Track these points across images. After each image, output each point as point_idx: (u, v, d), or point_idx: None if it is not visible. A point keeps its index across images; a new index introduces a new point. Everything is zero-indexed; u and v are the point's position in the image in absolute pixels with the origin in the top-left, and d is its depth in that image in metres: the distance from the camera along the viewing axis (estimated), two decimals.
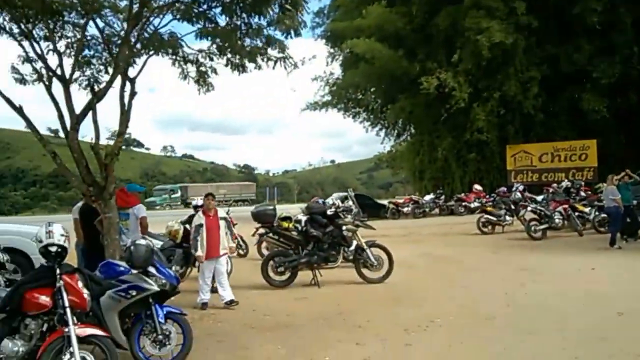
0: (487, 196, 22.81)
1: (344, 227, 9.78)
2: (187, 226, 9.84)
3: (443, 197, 27.11)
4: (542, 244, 14.47)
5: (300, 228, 10.11)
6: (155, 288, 5.48)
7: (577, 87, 27.27)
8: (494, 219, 17.38)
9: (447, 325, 6.96)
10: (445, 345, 6.15)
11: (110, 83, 7.44)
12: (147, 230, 8.45)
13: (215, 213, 8.42)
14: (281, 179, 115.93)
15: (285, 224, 10.02)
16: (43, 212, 57.59)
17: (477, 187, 25.06)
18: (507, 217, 17.46)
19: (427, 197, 27.35)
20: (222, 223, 8.37)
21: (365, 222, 10.50)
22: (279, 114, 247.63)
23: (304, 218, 10.22)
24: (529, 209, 16.09)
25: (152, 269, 5.65)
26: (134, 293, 5.37)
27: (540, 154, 28.19)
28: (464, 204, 24.68)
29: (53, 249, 4.85)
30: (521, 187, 20.71)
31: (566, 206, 15.69)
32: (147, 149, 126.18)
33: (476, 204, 23.17)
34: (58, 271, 4.81)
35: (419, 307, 8.02)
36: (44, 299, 4.78)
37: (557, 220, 15.35)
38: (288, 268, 9.61)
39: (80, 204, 8.51)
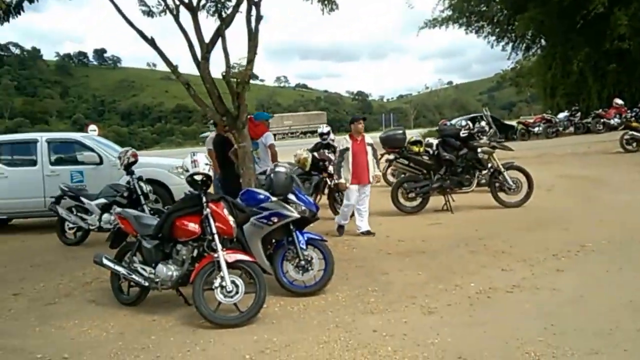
0: (629, 111, 20.57)
1: (479, 150, 9.25)
2: (315, 154, 9.86)
3: (579, 114, 24.67)
4: None
5: (431, 152, 9.70)
6: (296, 215, 5.47)
7: None
8: None
9: (600, 251, 6.36)
10: (602, 271, 5.61)
11: (237, 7, 7.29)
12: (276, 159, 8.49)
13: (363, 138, 8.02)
14: (396, 104, 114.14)
15: (415, 149, 9.61)
16: (170, 146, 61.20)
17: (618, 101, 22.44)
18: None
19: (561, 115, 25.09)
20: (369, 149, 7.98)
21: (502, 143, 9.84)
22: (389, 37, 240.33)
23: (435, 141, 9.79)
24: None
25: (292, 197, 5.65)
26: (275, 220, 5.41)
27: None
28: (602, 120, 22.39)
29: (199, 177, 4.97)
30: None
31: None
32: (262, 80, 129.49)
33: (617, 120, 20.97)
34: (204, 199, 4.92)
35: (565, 231, 7.43)
36: (193, 226, 4.95)
37: None
38: (419, 194, 9.34)
39: (213, 135, 8.70)
